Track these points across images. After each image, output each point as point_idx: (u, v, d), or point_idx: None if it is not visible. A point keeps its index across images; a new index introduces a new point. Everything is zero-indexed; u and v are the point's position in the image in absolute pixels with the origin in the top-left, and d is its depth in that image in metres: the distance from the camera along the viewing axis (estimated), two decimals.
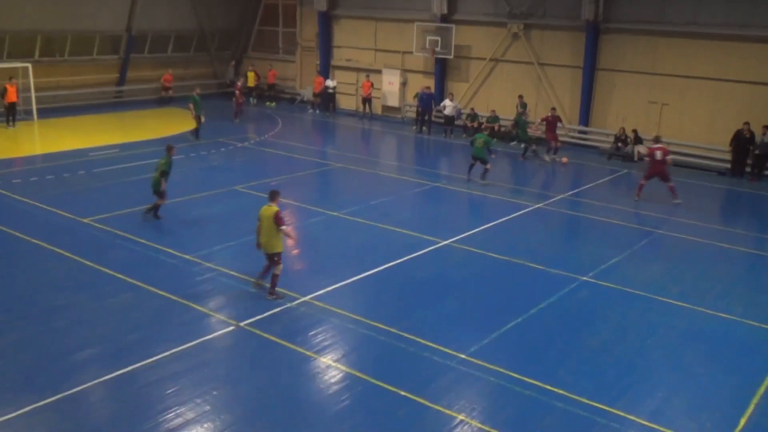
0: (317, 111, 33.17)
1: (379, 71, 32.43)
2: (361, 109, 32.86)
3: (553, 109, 25.52)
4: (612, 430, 8.70)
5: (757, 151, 23.00)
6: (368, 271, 13.58)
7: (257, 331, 10.88)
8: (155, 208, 15.84)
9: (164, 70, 33.74)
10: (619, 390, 9.66)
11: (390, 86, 32.21)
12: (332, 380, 9.66)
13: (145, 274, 12.86)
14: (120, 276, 12.69)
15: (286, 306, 11.82)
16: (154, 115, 31.26)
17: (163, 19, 33.51)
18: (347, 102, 33.79)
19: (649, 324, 11.91)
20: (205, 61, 37.36)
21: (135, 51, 33.50)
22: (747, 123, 23.00)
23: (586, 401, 9.28)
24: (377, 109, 32.76)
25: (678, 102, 25.21)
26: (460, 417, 8.86)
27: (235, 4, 36.51)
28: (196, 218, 16.56)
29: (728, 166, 23.76)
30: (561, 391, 9.47)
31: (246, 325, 11.05)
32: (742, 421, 9.03)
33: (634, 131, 25.28)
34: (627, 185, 22.13)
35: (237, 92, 29.52)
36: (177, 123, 28.53)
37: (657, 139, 20.06)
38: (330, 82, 33.30)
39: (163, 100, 33.29)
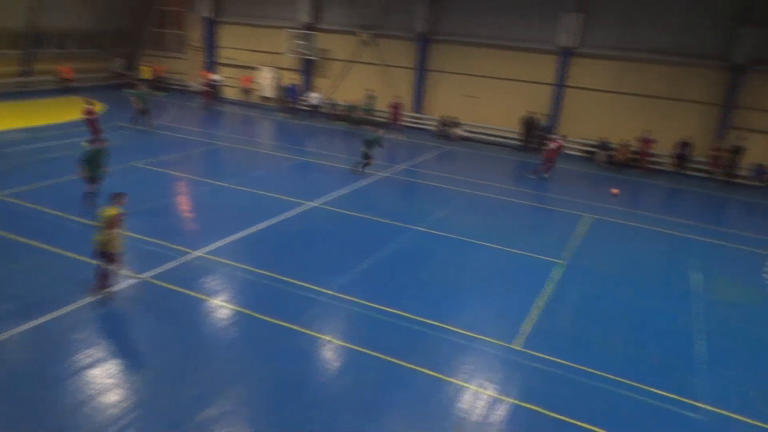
0: (204, 101, 31.55)
1: (256, 68, 31.31)
2: (241, 98, 31.67)
3: (397, 97, 26.02)
4: (439, 339, 9.19)
5: (539, 132, 24.77)
6: (250, 229, 13.25)
7: (157, 282, 10.33)
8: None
9: (64, 63, 30.53)
10: (444, 309, 10.17)
11: (265, 80, 31.23)
12: (222, 317, 9.41)
13: (54, 239, 11.71)
14: (31, 242, 11.53)
15: (182, 260, 11.29)
16: (56, 102, 28.27)
17: (65, 19, 30.15)
18: (230, 93, 32.38)
19: (464, 259, 12.57)
20: (102, 57, 34.14)
21: (38, 47, 29.96)
22: (532, 111, 24.67)
23: (421, 319, 9.70)
24: (256, 99, 31.70)
25: (485, 96, 26.45)
26: (327, 338, 8.98)
27: (130, 8, 33.52)
28: (100, 190, 15.28)
29: (520, 143, 25.37)
30: (403, 313, 9.84)
31: (148, 277, 10.47)
32: (528, 323, 9.86)
33: (452, 117, 26.33)
34: (448, 158, 23.04)
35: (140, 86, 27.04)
36: (77, 109, 25.90)
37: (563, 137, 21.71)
38: (216, 77, 31.70)
39: (65, 90, 30.18)
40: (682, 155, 22.86)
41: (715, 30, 22.26)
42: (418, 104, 27.97)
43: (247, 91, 31.60)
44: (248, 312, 9.54)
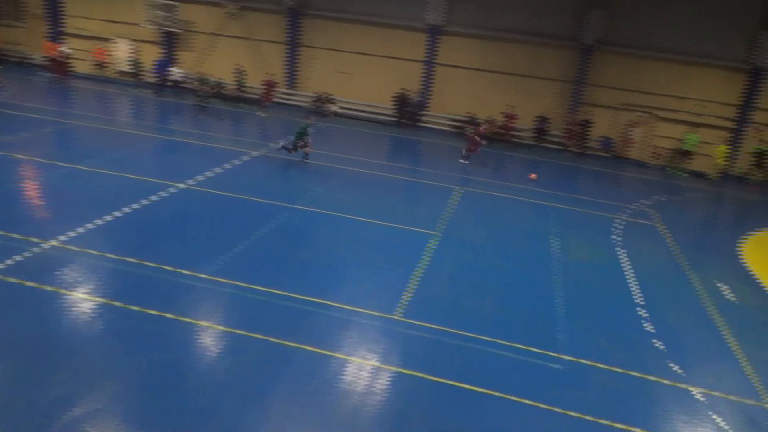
0: (57, 75, 28.50)
1: (111, 40, 28.79)
2: (95, 72, 29.03)
3: (270, 75, 25.27)
4: (321, 315, 9.21)
5: (411, 109, 25.44)
6: (113, 214, 12.29)
7: (5, 278, 9.26)
8: None
9: None
10: (324, 286, 10.19)
11: (122, 53, 28.87)
12: (84, 311, 8.67)
13: None
14: None
15: (32, 252, 10.22)
16: None
17: None
18: (82, 67, 29.54)
19: (342, 236, 12.67)
20: None
21: None
22: (405, 88, 25.24)
23: (302, 297, 9.66)
24: (112, 73, 29.23)
25: (358, 72, 26.60)
26: (203, 324, 8.65)
27: None
28: None
29: (394, 119, 25.90)
30: (283, 293, 9.72)
31: None
32: (408, 293, 10.22)
33: (326, 93, 26.20)
34: (322, 135, 22.93)
35: None
36: None
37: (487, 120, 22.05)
38: (64, 49, 28.69)
39: None
40: (541, 129, 24.73)
41: (566, 12, 24.14)
42: (292, 80, 27.47)
43: (101, 65, 29.02)
44: (115, 303, 8.89)
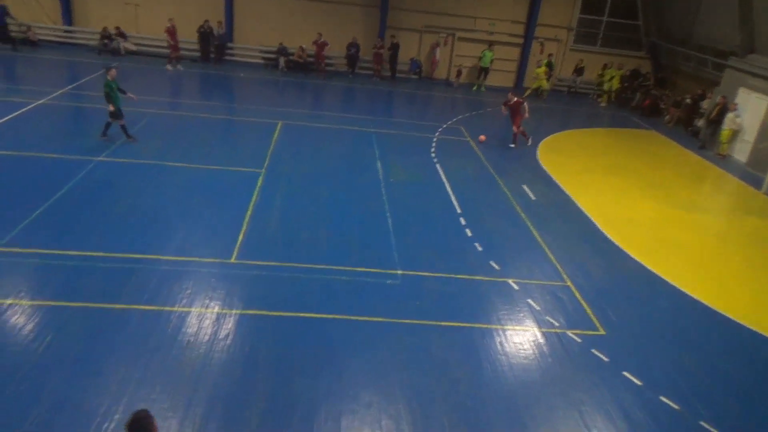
0: None
1: None
2: None
3: (171, 19, 21.74)
4: (150, 271, 8.71)
5: (216, 42, 23.94)
6: None
7: None
8: None
9: None
10: (148, 240, 9.60)
11: None
12: None
13: None
14: None
15: None
16: None
17: None
18: None
19: (160, 184, 11.88)
20: None
21: None
22: (206, 20, 23.54)
23: (123, 255, 9.01)
24: None
25: (149, 2, 24.10)
26: (9, 301, 7.69)
27: None
28: None
29: (198, 54, 24.19)
30: (100, 254, 8.97)
31: None
32: (240, 237, 10.04)
33: (117, 28, 23.47)
34: (121, 75, 20.72)
35: None
36: None
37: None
38: None
39: None
40: (352, 56, 24.96)
41: None
42: (68, 16, 24.02)
43: None
44: None
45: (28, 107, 15.72)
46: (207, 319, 7.83)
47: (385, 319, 8.23)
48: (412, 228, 11.25)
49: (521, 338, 8.28)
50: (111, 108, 13.60)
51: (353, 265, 9.56)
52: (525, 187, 14.09)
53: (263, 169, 13.19)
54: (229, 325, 7.76)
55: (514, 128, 17.17)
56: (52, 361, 6.75)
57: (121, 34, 23.54)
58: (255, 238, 10.04)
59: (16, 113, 15.09)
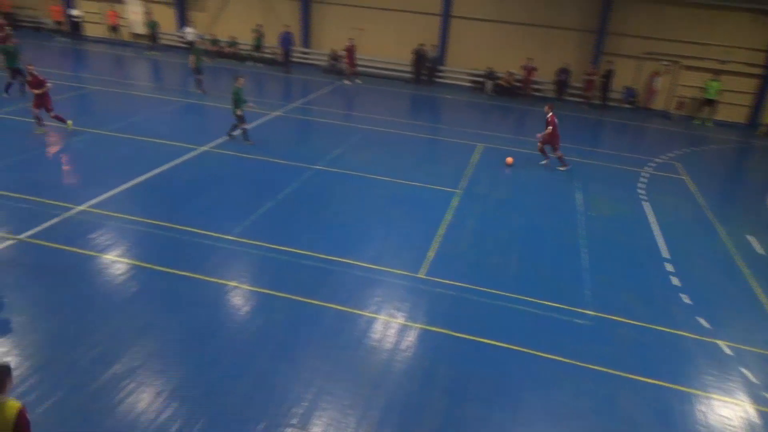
0: (62, 38, 28.41)
1: (122, 1, 28.43)
2: (110, 36, 28.81)
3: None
4: (346, 275, 9.31)
5: (429, 65, 24.95)
6: (139, 177, 12.43)
7: (38, 242, 9.49)
8: None
9: None
10: (347, 244, 10.26)
11: (134, 16, 28.52)
12: (117, 273, 8.88)
13: None
14: None
15: (63, 217, 10.41)
16: None
17: None
18: (96, 30, 29.33)
19: (363, 195, 12.67)
20: None
21: None
22: (422, 44, 24.69)
23: (324, 256, 9.75)
24: (126, 36, 29.01)
25: (374, 28, 26.01)
26: (232, 284, 8.80)
27: None
28: None
29: (411, 75, 25.44)
30: (307, 252, 9.82)
31: (26, 237, 9.57)
32: (431, 252, 10.25)
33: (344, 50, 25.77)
34: (340, 94, 22.69)
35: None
36: None
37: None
38: (74, 11, 28.51)
39: None
40: (562, 81, 24.14)
41: None
42: (306, 39, 27.02)
43: (114, 29, 28.73)
44: (145, 265, 9.07)
45: (266, 118, 17.95)
46: (392, 328, 8.11)
47: (568, 360, 7.73)
48: (610, 267, 10.42)
49: (730, 412, 7.14)
50: (239, 112, 14.97)
51: (540, 297, 9.16)
52: (750, 237, 12.23)
53: (459, 190, 13.33)
54: (411, 337, 7.94)
55: (553, 151, 15.56)
56: (259, 343, 7.55)
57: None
58: (444, 257, 10.17)
59: (258, 122, 17.33)
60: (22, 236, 9.57)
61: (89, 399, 6.36)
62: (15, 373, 6.60)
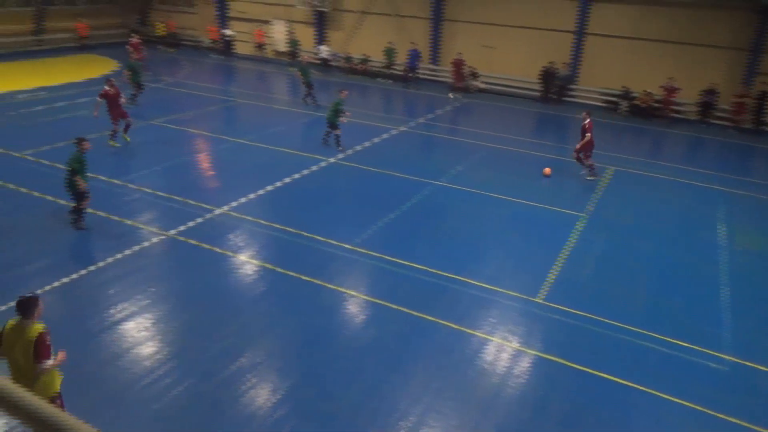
0: (215, 55, 31.27)
1: (269, 22, 30.73)
2: (256, 53, 31.24)
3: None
4: (461, 293, 9.24)
5: (559, 83, 24.16)
6: (272, 185, 13.30)
7: (183, 239, 10.49)
8: (78, 212, 10.57)
9: (80, 20, 30.36)
10: (463, 262, 10.19)
11: (278, 35, 30.67)
12: (248, 272, 9.56)
13: None
14: (54, 199, 11.68)
15: (206, 217, 11.41)
16: (73, 60, 28.16)
17: None
18: (244, 48, 31.92)
19: (483, 213, 12.51)
20: (113, 12, 33.76)
21: (49, 3, 29.76)
22: (551, 61, 23.99)
23: (443, 273, 9.75)
24: (269, 53, 31.26)
25: (503, 45, 25.73)
26: (350, 292, 9.08)
27: None
28: (119, 149, 15.39)
29: (540, 94, 24.80)
30: (425, 267, 9.89)
31: (174, 234, 10.61)
32: (551, 276, 9.87)
33: (471, 68, 25.72)
34: (465, 111, 22.65)
35: (134, 43, 25.89)
36: (95, 67, 25.97)
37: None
38: (227, 31, 31.29)
39: (81, 47, 30.14)
40: (708, 103, 22.20)
41: None
42: (435, 56, 27.37)
43: (260, 46, 31.10)
44: (272, 267, 9.66)
45: (392, 132, 18.39)
46: (505, 351, 7.90)
47: (699, 407, 7.03)
48: (755, 309, 9.37)
49: None
50: (342, 120, 15.73)
51: (669, 334, 8.44)
52: None
53: (585, 213, 12.72)
54: (524, 363, 7.68)
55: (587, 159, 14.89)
56: (371, 352, 7.71)
57: (473, 74, 25.68)
58: (565, 282, 9.73)
59: (384, 136, 17.82)
60: (170, 232, 10.62)
61: (216, 388, 6.87)
62: (155, 357, 7.31)
